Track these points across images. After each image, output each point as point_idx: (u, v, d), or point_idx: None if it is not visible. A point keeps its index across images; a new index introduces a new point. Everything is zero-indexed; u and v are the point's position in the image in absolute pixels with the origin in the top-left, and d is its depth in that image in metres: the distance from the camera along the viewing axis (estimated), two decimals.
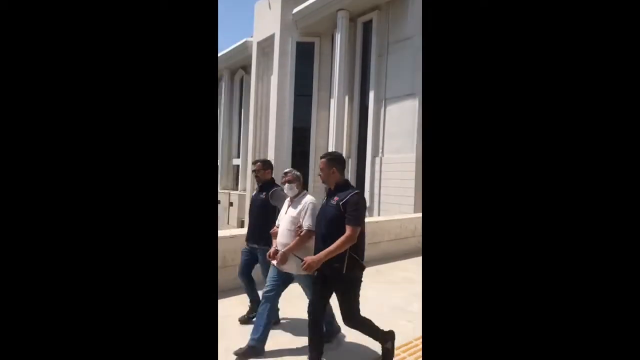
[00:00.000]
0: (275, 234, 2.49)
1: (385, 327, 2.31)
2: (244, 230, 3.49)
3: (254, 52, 14.37)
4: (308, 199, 2.46)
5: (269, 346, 2.42)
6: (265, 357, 2.37)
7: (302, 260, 2.14)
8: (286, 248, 2.35)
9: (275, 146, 12.34)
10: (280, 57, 12.38)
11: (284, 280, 2.43)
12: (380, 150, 10.45)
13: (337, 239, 2.07)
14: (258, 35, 14.04)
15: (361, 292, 2.22)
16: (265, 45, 13.69)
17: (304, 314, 2.28)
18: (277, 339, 2.55)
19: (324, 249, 2.11)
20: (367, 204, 6.32)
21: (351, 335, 2.66)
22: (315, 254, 2.18)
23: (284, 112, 12.44)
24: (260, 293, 2.54)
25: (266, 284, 2.45)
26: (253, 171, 3.12)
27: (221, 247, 4.14)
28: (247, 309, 2.97)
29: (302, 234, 2.33)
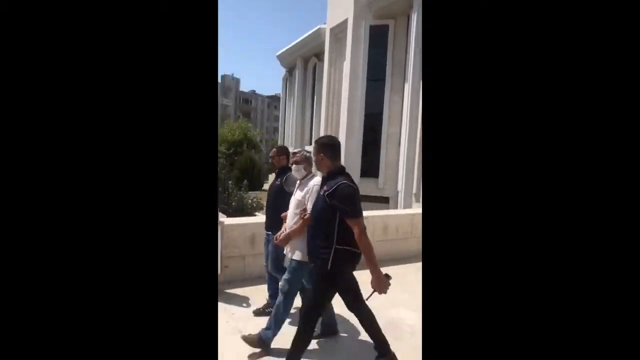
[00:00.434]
0: (286, 217, 2.43)
1: None
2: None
3: (327, 39, 14.32)
4: (315, 180, 2.32)
5: (278, 341, 2.36)
6: (272, 353, 2.35)
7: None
8: (289, 230, 2.26)
9: (346, 133, 12.24)
10: (353, 41, 12.13)
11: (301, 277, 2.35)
12: None
13: (324, 232, 1.97)
14: (331, 21, 13.92)
15: None
16: (338, 31, 13.53)
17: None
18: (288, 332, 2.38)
19: (312, 242, 2.05)
20: None
21: (349, 339, 2.60)
22: (307, 246, 2.09)
23: (355, 98, 12.24)
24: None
25: (283, 277, 2.37)
26: (270, 157, 3.11)
27: None
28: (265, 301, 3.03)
29: (305, 217, 2.20)
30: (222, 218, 3.62)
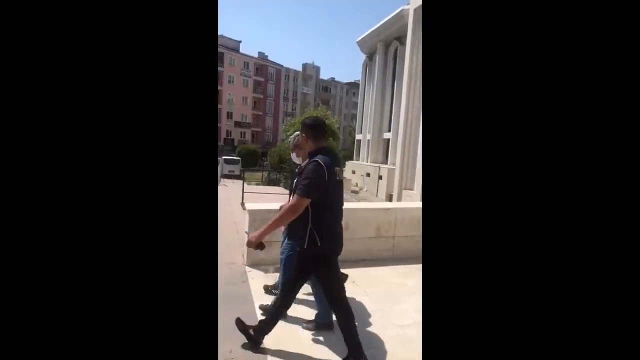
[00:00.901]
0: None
1: None
2: (396, 204, 3.56)
3: (410, 20, 13.67)
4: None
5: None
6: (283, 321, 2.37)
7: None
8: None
9: None
10: None
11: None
12: None
13: (299, 218, 1.89)
14: (415, 0, 13.22)
15: None
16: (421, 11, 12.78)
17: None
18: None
19: (292, 221, 1.97)
20: None
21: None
22: (289, 225, 2.08)
23: None
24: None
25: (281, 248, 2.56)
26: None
27: (377, 219, 4.27)
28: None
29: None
30: None
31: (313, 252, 1.96)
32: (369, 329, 2.59)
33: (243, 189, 8.00)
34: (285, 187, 12.40)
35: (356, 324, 2.15)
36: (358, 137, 22.43)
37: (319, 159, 1.92)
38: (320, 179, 1.87)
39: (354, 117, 45.49)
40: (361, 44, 19.80)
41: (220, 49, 39.48)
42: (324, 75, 62.74)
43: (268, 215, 3.72)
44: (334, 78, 58.58)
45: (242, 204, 7.48)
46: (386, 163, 17.08)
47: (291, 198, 2.02)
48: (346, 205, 6.11)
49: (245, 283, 3.30)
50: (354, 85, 54.12)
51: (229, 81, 40.92)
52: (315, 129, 2.06)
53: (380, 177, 16.77)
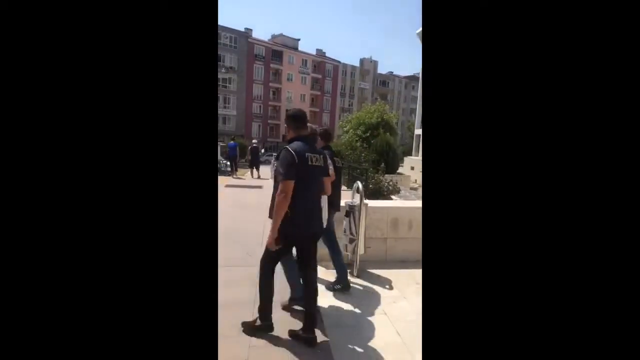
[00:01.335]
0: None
1: None
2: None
3: None
4: None
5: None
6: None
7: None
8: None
9: None
10: None
11: None
12: None
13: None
14: None
15: None
16: None
17: None
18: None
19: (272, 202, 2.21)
20: None
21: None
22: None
23: None
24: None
25: None
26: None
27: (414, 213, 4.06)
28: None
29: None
30: (367, 200, 3.70)
31: (288, 230, 2.10)
32: None
33: None
34: (343, 183, 12.36)
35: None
36: (417, 132, 21.66)
37: (290, 145, 2.14)
38: (291, 162, 2.06)
39: (412, 111, 44.02)
40: (421, 35, 19.00)
41: (279, 48, 40.56)
42: (382, 69, 61.51)
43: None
44: (392, 72, 57.20)
45: None
46: (417, 155, 16.22)
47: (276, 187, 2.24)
48: (408, 203, 5.91)
49: None
50: (413, 79, 52.33)
51: (288, 79, 41.91)
52: (297, 119, 2.26)
53: (412, 168, 15.96)
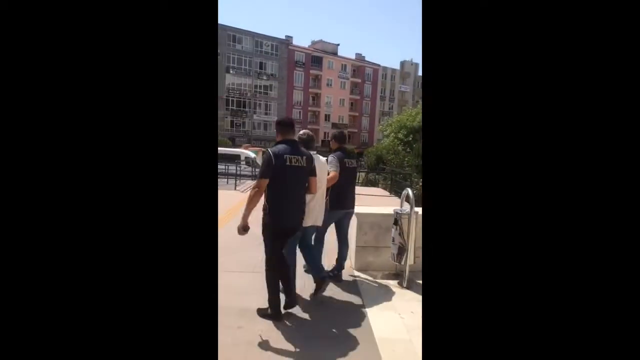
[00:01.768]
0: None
1: None
2: None
3: None
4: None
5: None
6: None
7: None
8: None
9: None
10: None
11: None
12: None
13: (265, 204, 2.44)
14: None
15: None
16: None
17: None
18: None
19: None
20: None
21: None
22: None
23: None
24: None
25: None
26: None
27: None
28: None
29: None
30: (417, 208, 3.55)
31: (266, 221, 2.43)
32: None
33: None
34: (385, 188, 12.13)
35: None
36: None
37: (272, 147, 2.46)
38: (268, 162, 2.36)
39: None
40: None
41: (318, 54, 40.94)
42: None
43: (375, 219, 3.62)
44: None
45: None
46: None
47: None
48: None
49: (355, 290, 3.23)
50: None
51: (327, 84, 42.12)
52: (283, 125, 2.56)
53: None
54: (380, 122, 31.77)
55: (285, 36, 39.39)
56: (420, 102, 33.29)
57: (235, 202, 7.11)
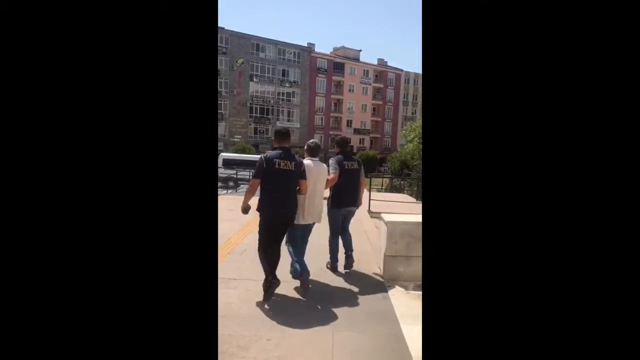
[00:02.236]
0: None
1: None
2: None
3: None
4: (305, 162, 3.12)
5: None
6: None
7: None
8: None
9: None
10: None
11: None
12: None
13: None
14: None
15: None
16: None
17: None
18: None
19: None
20: None
21: None
22: None
23: None
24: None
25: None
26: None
27: None
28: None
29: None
30: None
31: (260, 212, 2.93)
32: None
33: (370, 196, 7.90)
34: (411, 194, 11.86)
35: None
36: None
37: (265, 153, 2.95)
38: (259, 167, 2.84)
39: None
40: None
41: (340, 60, 41.04)
42: None
43: (406, 228, 3.48)
44: None
45: (369, 211, 7.38)
46: None
47: None
48: None
49: (386, 299, 3.10)
50: None
51: (349, 90, 42.08)
52: (278, 134, 3.04)
53: None
54: (403, 127, 31.35)
55: (308, 43, 39.76)
56: None
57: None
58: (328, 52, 42.48)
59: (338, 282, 3.43)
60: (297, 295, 3.05)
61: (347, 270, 3.60)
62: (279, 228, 2.99)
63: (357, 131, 43.04)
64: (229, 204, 7.79)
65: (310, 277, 3.18)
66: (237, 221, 5.57)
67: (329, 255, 3.68)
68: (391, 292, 3.25)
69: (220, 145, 32.60)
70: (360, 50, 43.81)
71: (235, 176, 14.97)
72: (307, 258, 3.25)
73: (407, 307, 2.94)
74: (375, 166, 29.66)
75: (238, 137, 33.30)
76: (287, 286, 3.19)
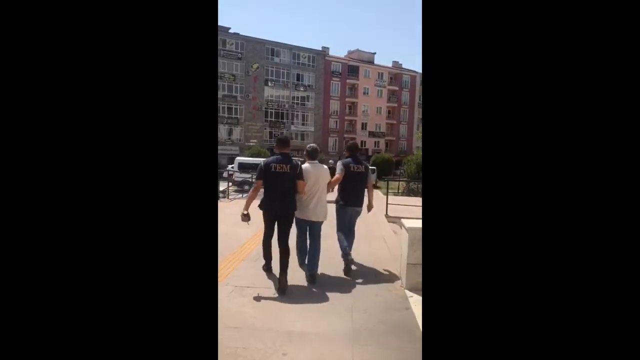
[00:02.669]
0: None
1: None
2: None
3: None
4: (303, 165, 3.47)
5: None
6: None
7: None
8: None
9: None
10: None
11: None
12: None
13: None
14: None
15: None
16: None
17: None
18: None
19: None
20: None
21: None
22: None
23: None
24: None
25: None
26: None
27: None
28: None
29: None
30: None
31: (263, 209, 3.34)
32: None
33: (387, 200, 7.71)
34: None
35: None
36: None
37: (265, 159, 3.45)
38: (259, 170, 3.27)
39: None
40: None
41: (355, 63, 40.92)
42: None
43: None
44: None
45: (387, 215, 7.19)
46: None
47: None
48: None
49: (408, 310, 2.93)
50: None
51: (364, 93, 41.87)
52: (278, 142, 3.42)
53: None
54: (418, 130, 30.89)
55: (322, 47, 39.81)
56: None
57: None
58: (342, 56, 42.44)
59: (358, 292, 3.27)
60: (315, 306, 2.92)
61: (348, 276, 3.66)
62: (279, 222, 3.34)
63: (372, 134, 42.73)
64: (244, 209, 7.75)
65: (329, 287, 3.09)
66: (251, 226, 5.49)
67: (340, 252, 3.86)
68: (413, 303, 3.08)
69: (236, 149, 32.88)
70: (375, 53, 43.63)
71: (250, 180, 15.00)
72: (325, 263, 3.10)
73: None
74: (390, 169, 29.27)
75: (253, 141, 33.51)
76: (306, 296, 3.06)
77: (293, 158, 3.41)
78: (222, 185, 11.67)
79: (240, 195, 12.01)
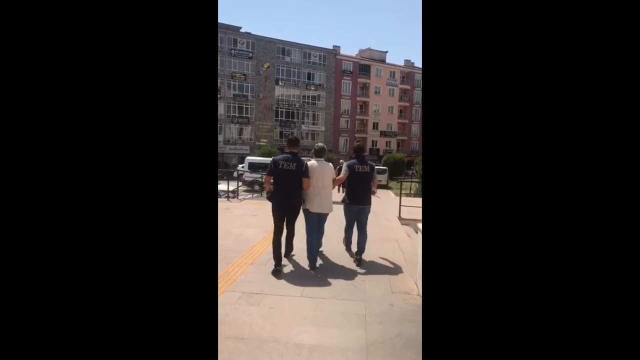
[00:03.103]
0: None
1: None
2: None
3: None
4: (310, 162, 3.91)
5: None
6: None
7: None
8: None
9: None
10: None
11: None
12: None
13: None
14: None
15: None
16: None
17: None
18: None
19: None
20: None
21: None
22: None
23: None
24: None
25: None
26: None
27: None
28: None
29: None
30: None
31: (272, 198, 3.75)
32: None
33: (400, 202, 7.51)
34: None
35: None
36: None
37: (275, 157, 3.90)
38: (269, 167, 3.74)
39: None
40: None
41: (366, 62, 40.61)
42: None
43: None
44: None
45: (400, 218, 7.00)
46: None
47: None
48: None
49: None
50: None
51: (376, 92, 41.53)
52: (288, 142, 3.91)
53: None
54: None
55: (333, 46, 39.62)
56: None
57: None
58: (354, 54, 42.16)
59: (371, 301, 3.10)
60: (327, 316, 2.76)
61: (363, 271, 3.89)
62: (286, 212, 3.76)
63: (383, 133, 42.37)
64: (253, 210, 7.64)
65: (342, 295, 2.93)
66: (261, 228, 5.37)
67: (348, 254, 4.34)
68: None
69: (247, 148, 32.96)
70: (387, 52, 43.21)
71: (260, 179, 14.96)
72: (338, 269, 2.92)
73: None
74: (402, 169, 28.91)
75: (264, 140, 33.53)
76: (319, 306, 2.90)
77: (301, 157, 3.79)
78: (232, 185, 11.60)
79: (250, 195, 11.93)
